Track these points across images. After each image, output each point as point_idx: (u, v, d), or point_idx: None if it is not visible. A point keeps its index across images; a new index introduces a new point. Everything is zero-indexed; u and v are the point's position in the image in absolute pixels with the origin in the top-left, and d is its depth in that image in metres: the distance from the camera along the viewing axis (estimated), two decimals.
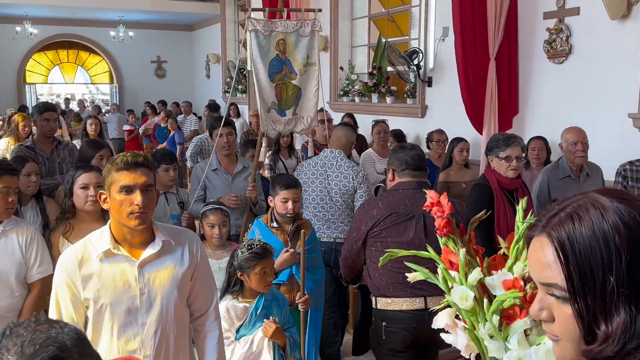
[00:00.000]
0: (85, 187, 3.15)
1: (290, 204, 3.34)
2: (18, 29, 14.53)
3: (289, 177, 3.84)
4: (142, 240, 2.18)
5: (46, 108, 4.84)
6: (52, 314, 2.13)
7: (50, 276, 2.94)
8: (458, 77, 6.05)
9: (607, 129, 5.11)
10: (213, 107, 12.34)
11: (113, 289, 2.11)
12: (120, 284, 2.12)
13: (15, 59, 15.59)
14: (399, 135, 7.05)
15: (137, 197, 2.06)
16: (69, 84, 16.98)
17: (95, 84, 17.75)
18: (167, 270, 2.20)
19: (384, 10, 8.95)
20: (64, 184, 3.30)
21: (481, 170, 5.49)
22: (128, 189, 2.07)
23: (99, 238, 2.16)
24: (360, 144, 7.62)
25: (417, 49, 7.27)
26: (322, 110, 6.61)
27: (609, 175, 4.52)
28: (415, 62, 7.22)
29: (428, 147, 6.61)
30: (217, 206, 3.76)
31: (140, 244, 2.18)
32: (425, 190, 1.79)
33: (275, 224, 3.42)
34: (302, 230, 3.20)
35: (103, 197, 2.15)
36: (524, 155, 3.80)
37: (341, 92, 9.44)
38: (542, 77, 5.77)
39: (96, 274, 2.11)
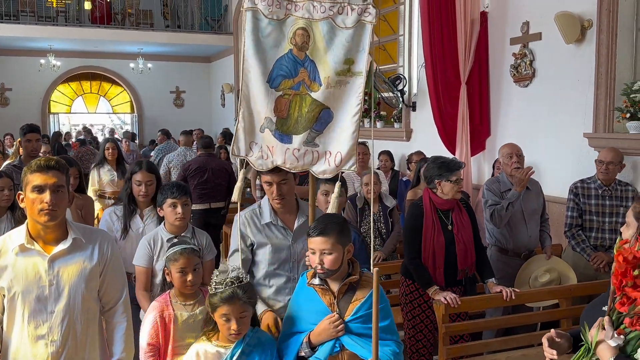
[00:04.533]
0: None
1: (316, 257, 2.56)
2: (42, 61, 15.28)
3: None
4: (55, 237, 2.44)
5: (29, 130, 5.24)
6: None
7: None
8: (430, 101, 6.27)
9: (565, 148, 5.27)
10: (226, 135, 12.69)
11: (25, 279, 2.37)
12: (32, 275, 2.38)
13: (40, 89, 16.36)
14: (390, 155, 7.21)
15: (46, 196, 2.33)
16: (91, 113, 17.69)
17: (117, 113, 18.41)
18: (76, 265, 2.45)
19: (376, 39, 9.25)
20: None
21: None
22: (40, 189, 2.34)
23: (17, 234, 2.44)
24: None
25: (401, 75, 7.52)
26: None
27: (565, 192, 4.64)
28: (400, 87, 7.46)
29: (408, 168, 6.82)
30: (187, 246, 2.95)
31: (53, 241, 2.44)
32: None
33: (317, 281, 2.60)
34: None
35: (21, 197, 2.43)
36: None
37: None
38: (510, 100, 5.96)
39: (11, 265, 2.38)
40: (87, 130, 15.41)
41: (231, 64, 15.44)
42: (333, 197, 3.02)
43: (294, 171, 3.06)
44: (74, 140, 14.16)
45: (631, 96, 4.55)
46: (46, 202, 2.33)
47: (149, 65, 16.52)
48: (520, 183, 4.29)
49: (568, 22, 4.99)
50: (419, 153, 6.58)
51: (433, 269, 3.79)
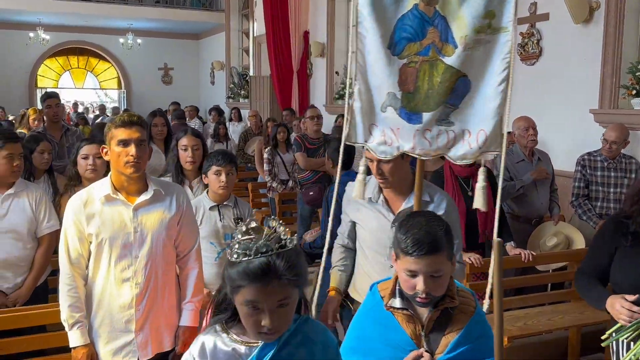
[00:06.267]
0: (85, 157, 3.61)
1: (420, 283, 1.79)
2: (31, 35, 15.12)
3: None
4: (137, 189, 2.62)
5: (48, 96, 5.39)
6: (61, 247, 2.57)
7: (57, 231, 3.40)
8: None
9: (572, 123, 5.56)
10: (219, 111, 12.80)
11: (111, 226, 2.54)
12: (118, 222, 2.56)
13: (27, 63, 16.19)
14: None
15: (132, 149, 2.50)
16: (78, 88, 17.59)
17: (104, 89, 18.31)
18: (157, 214, 2.63)
19: None
20: (71, 156, 3.73)
21: None
22: (125, 142, 2.51)
23: (101, 186, 2.61)
24: None
25: None
26: (314, 106, 7.06)
27: (571, 166, 4.93)
28: None
29: None
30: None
31: (135, 192, 2.62)
32: None
33: (398, 303, 1.90)
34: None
35: (105, 150, 2.59)
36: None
37: (337, 96, 9.92)
38: (517, 78, 6.14)
39: (98, 214, 2.55)
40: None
41: (221, 42, 15.49)
42: (478, 186, 2.33)
43: (424, 158, 2.43)
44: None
45: (637, 74, 4.83)
46: (132, 155, 2.49)
47: (139, 41, 16.44)
48: (540, 175, 4.66)
49: (577, 3, 5.26)
50: None
51: None
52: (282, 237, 1.53)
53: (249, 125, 11.46)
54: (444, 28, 2.35)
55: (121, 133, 2.51)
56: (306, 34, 10.66)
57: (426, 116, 2.39)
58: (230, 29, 15.06)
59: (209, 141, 9.98)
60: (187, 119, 12.27)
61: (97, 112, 15.14)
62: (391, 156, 2.45)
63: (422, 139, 2.39)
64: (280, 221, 1.55)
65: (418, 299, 1.81)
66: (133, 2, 15.28)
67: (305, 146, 6.35)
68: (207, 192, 3.44)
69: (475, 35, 2.30)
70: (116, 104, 17.82)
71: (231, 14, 14.99)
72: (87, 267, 2.59)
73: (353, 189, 2.69)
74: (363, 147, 2.51)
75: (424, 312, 1.88)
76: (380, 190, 2.70)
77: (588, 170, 4.75)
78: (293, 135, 7.61)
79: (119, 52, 17.01)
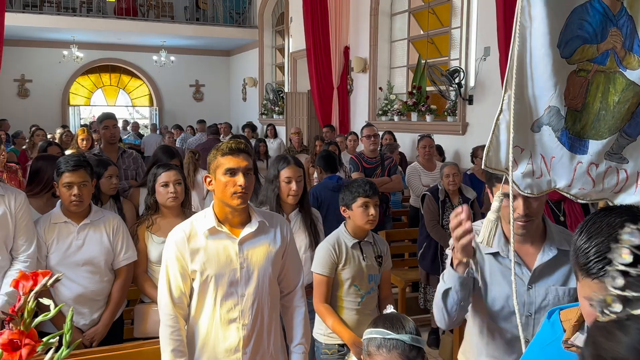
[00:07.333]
0: (165, 185, 3.35)
1: None
2: (65, 52, 15.14)
3: None
4: (240, 221, 2.40)
5: (105, 117, 5.19)
6: (162, 285, 2.35)
7: (135, 262, 3.20)
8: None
9: None
10: (253, 127, 12.70)
11: (217, 262, 2.33)
12: (224, 258, 2.34)
13: (60, 81, 16.21)
14: (439, 150, 7.26)
15: (240, 178, 2.29)
16: (110, 106, 17.59)
17: (136, 106, 18.31)
18: (262, 247, 2.41)
19: (423, 33, 9.23)
20: (147, 183, 3.50)
21: None
22: (232, 172, 2.29)
23: (204, 218, 2.39)
24: (401, 160, 7.86)
25: (459, 68, 7.51)
26: (370, 125, 6.86)
27: None
28: (457, 80, 7.45)
29: (472, 162, 6.80)
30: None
31: (239, 224, 2.40)
32: None
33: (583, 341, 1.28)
34: None
35: (208, 180, 2.38)
36: None
37: (380, 112, 9.70)
38: None
39: (202, 249, 2.33)
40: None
41: (254, 58, 15.41)
42: None
43: (581, 201, 1.93)
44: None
45: None
46: (240, 185, 2.28)
47: (172, 58, 16.41)
48: None
49: None
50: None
51: None
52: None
53: (284, 142, 11.34)
54: (630, 32, 1.82)
55: (228, 161, 2.30)
56: (346, 50, 10.49)
57: (594, 145, 1.86)
58: (264, 46, 14.98)
59: None
60: (222, 136, 12.23)
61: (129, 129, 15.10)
62: (538, 193, 1.86)
63: (586, 175, 1.86)
64: None
65: None
66: (166, 19, 15.27)
67: (363, 165, 6.14)
68: (345, 225, 3.03)
69: None
70: (147, 122, 17.80)
71: (264, 30, 14.90)
72: (188, 305, 2.38)
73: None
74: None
75: None
76: (506, 240, 2.01)
77: None
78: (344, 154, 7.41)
79: (152, 69, 17.00)
